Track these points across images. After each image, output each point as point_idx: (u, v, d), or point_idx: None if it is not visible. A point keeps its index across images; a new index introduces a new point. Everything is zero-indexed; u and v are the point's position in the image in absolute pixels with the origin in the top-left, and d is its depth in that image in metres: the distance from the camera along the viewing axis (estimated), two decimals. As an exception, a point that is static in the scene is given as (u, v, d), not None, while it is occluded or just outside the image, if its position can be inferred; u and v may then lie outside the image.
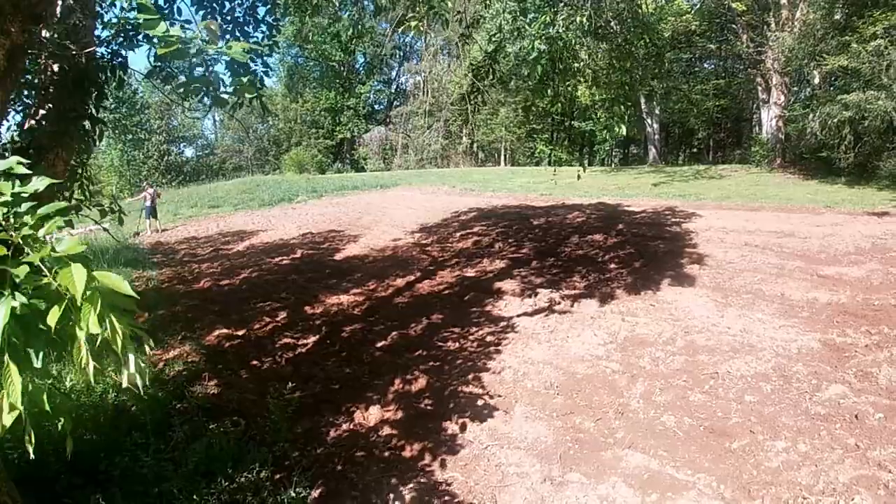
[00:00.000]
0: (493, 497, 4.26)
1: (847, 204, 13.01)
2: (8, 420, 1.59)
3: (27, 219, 1.67)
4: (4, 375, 1.58)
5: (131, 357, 1.71)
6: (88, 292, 1.54)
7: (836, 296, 7.38)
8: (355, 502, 4.22)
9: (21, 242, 1.63)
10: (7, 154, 3.23)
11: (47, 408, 1.72)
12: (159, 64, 3.33)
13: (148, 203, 17.15)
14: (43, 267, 1.58)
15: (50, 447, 3.57)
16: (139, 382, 1.79)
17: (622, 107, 5.37)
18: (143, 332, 1.78)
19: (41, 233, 1.66)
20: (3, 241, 1.63)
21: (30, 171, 1.87)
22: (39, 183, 1.84)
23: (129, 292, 1.64)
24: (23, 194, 1.76)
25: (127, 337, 1.65)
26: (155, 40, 2.37)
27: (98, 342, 1.61)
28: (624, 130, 5.38)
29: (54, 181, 1.97)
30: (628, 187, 19.49)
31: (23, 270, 1.57)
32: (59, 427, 1.82)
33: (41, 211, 1.71)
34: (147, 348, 1.84)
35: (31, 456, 1.77)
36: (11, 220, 1.68)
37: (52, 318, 1.55)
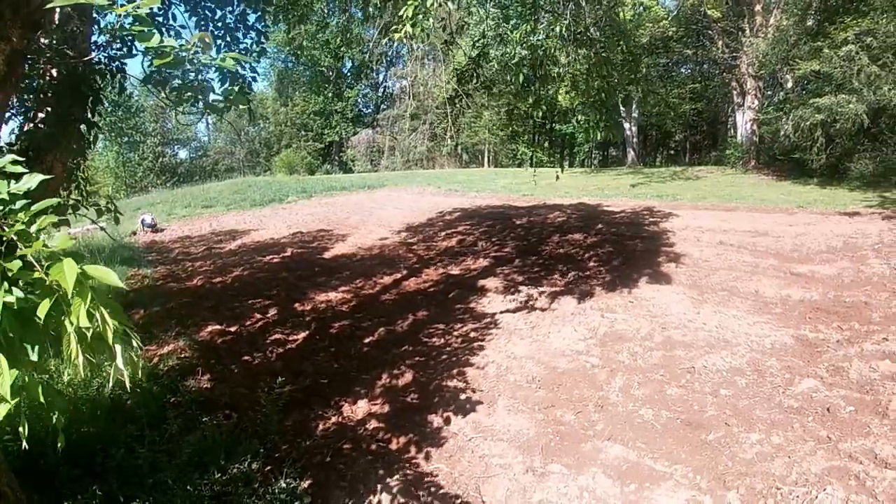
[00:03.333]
0: (477, 488, 4.34)
1: (819, 204, 13.12)
2: (0, 412, 1.62)
3: (21, 216, 1.69)
4: None
5: (119, 350, 1.72)
6: (79, 286, 1.56)
7: (808, 293, 7.52)
8: (343, 493, 4.30)
9: (15, 238, 1.65)
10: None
11: (42, 400, 1.74)
12: (154, 70, 3.44)
13: (150, 221, 17.23)
14: (35, 262, 1.60)
15: (49, 440, 3.64)
16: (126, 377, 1.79)
17: (598, 112, 5.55)
18: (132, 327, 1.80)
19: (33, 228, 1.67)
20: None
21: (26, 171, 1.87)
22: (32, 180, 1.85)
23: (119, 284, 1.65)
24: (17, 192, 1.78)
25: (119, 331, 1.67)
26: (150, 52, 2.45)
27: (90, 336, 1.64)
28: (599, 136, 5.57)
29: (46, 177, 1.97)
30: (607, 188, 19.63)
31: (16, 265, 1.59)
32: (54, 421, 1.85)
33: (34, 207, 1.74)
34: (135, 343, 1.83)
35: (25, 446, 1.81)
36: (6, 218, 1.71)
37: (42, 310, 1.57)
